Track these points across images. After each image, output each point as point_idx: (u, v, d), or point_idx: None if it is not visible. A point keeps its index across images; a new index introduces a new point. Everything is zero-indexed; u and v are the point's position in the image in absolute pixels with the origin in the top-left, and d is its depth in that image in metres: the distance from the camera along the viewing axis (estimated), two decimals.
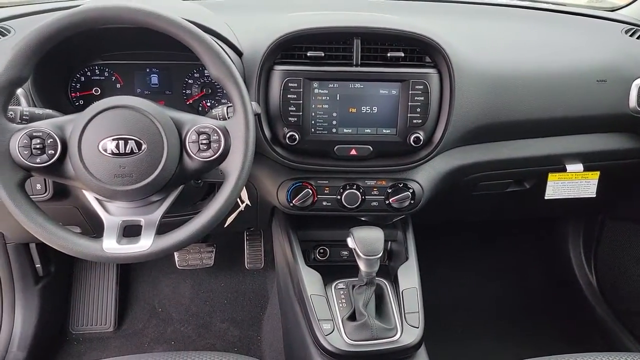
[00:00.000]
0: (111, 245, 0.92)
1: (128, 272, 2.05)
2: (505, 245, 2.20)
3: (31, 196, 0.93)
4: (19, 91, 1.08)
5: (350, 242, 1.14)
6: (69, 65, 1.23)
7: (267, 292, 2.04)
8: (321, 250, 1.41)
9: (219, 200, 0.93)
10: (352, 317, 1.16)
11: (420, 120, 1.17)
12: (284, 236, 1.35)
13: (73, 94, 1.26)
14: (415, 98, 1.16)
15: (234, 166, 0.93)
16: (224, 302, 2.02)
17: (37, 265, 1.66)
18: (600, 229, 1.94)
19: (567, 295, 2.06)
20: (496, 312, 2.03)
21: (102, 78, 1.26)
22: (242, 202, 1.19)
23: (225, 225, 1.19)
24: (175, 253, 1.98)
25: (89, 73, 1.25)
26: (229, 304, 2.01)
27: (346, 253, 1.41)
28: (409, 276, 1.25)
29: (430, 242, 1.67)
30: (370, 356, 1.12)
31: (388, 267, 1.38)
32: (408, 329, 1.15)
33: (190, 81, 1.28)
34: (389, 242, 1.41)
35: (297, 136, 1.16)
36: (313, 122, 1.17)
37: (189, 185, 1.17)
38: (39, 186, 1.19)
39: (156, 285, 2.04)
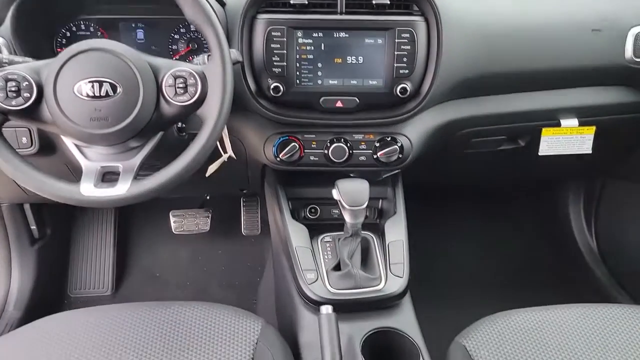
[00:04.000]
0: (89, 189, 0.92)
1: (126, 236, 2.07)
2: (504, 210, 2.17)
3: (17, 150, 0.93)
4: (1, 41, 1.08)
5: (335, 193, 1.13)
6: (52, 19, 1.23)
7: (263, 259, 2.04)
8: (312, 209, 1.40)
9: (196, 145, 0.92)
10: (337, 268, 1.16)
11: (407, 71, 1.15)
12: (273, 193, 1.35)
13: (59, 49, 1.25)
14: (402, 47, 1.13)
15: (211, 111, 0.92)
16: (222, 268, 2.03)
17: (32, 227, 1.68)
18: (600, 191, 1.91)
19: (567, 259, 2.04)
20: (492, 273, 2.01)
21: (87, 33, 1.25)
22: (225, 152, 1.18)
23: (207, 175, 1.18)
24: (171, 218, 1.98)
25: (74, 28, 1.25)
26: (227, 269, 2.03)
27: (337, 212, 1.40)
28: (396, 229, 1.24)
29: (426, 207, 1.65)
30: (353, 304, 1.12)
31: (378, 225, 1.37)
32: (392, 279, 1.14)
33: (176, 36, 1.27)
34: (380, 200, 1.39)
35: (281, 87, 1.14)
36: (298, 73, 1.15)
37: (173, 137, 1.17)
38: (24, 140, 1.20)
39: (154, 250, 2.05)
